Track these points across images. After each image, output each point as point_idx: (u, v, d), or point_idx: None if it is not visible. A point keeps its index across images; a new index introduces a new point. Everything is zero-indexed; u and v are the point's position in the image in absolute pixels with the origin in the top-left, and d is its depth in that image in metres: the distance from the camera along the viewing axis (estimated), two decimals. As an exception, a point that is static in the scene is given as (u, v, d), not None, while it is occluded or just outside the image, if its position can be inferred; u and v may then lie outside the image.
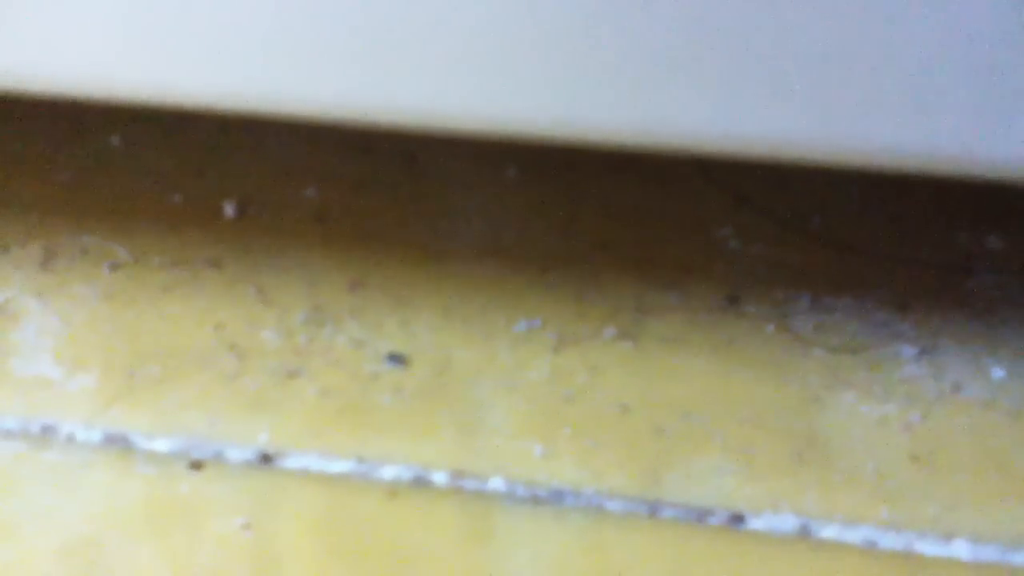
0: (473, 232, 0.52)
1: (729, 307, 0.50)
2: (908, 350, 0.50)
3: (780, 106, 0.38)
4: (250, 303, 0.52)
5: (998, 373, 0.49)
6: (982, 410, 0.49)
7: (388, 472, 0.49)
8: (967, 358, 0.49)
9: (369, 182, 0.53)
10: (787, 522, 0.48)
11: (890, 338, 0.50)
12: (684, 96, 0.38)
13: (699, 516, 0.48)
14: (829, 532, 0.48)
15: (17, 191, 0.54)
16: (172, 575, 0.48)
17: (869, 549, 0.47)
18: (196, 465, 0.50)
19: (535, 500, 0.49)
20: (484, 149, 0.52)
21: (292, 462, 0.50)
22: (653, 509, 0.48)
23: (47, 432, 0.50)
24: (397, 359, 0.51)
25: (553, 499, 0.49)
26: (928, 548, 0.47)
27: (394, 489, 0.49)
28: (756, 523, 0.48)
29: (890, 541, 0.47)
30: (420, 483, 0.49)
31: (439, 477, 0.49)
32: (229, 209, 0.53)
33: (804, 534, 0.48)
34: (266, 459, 0.50)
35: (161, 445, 0.50)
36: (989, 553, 0.47)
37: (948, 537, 0.47)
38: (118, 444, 0.50)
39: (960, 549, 0.47)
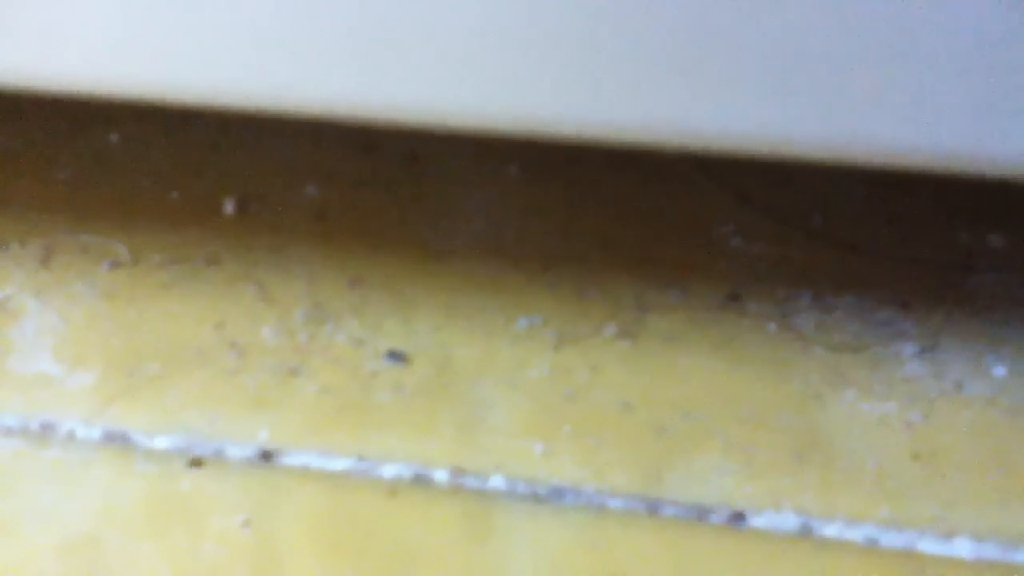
0: (474, 230, 0.52)
1: (730, 305, 0.50)
2: (909, 348, 0.49)
3: (781, 104, 0.38)
4: (250, 301, 0.52)
5: (1000, 371, 0.49)
6: (984, 408, 0.49)
7: (388, 470, 0.49)
8: (969, 356, 0.49)
9: (369, 180, 0.53)
10: (788, 521, 0.48)
11: (891, 336, 0.50)
12: (685, 93, 0.38)
13: (700, 514, 0.48)
14: (830, 531, 0.48)
15: (16, 189, 0.54)
16: (172, 573, 0.48)
17: (870, 548, 0.47)
18: (196, 463, 0.50)
19: (536, 498, 0.49)
20: (485, 147, 0.52)
21: (292, 460, 0.50)
22: (654, 507, 0.48)
23: (47, 430, 0.50)
24: (397, 357, 0.51)
25: (554, 497, 0.49)
26: (929, 547, 0.47)
27: (394, 487, 0.49)
28: (757, 521, 0.48)
29: (891, 540, 0.47)
30: (420, 481, 0.49)
31: (439, 475, 0.49)
32: (229, 207, 0.53)
33: (805, 533, 0.48)
34: (266, 457, 0.50)
35: (161, 443, 0.50)
36: (990, 551, 0.47)
37: (949, 536, 0.47)
38: (118, 442, 0.50)
39: (961, 548, 0.47)
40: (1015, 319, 0.49)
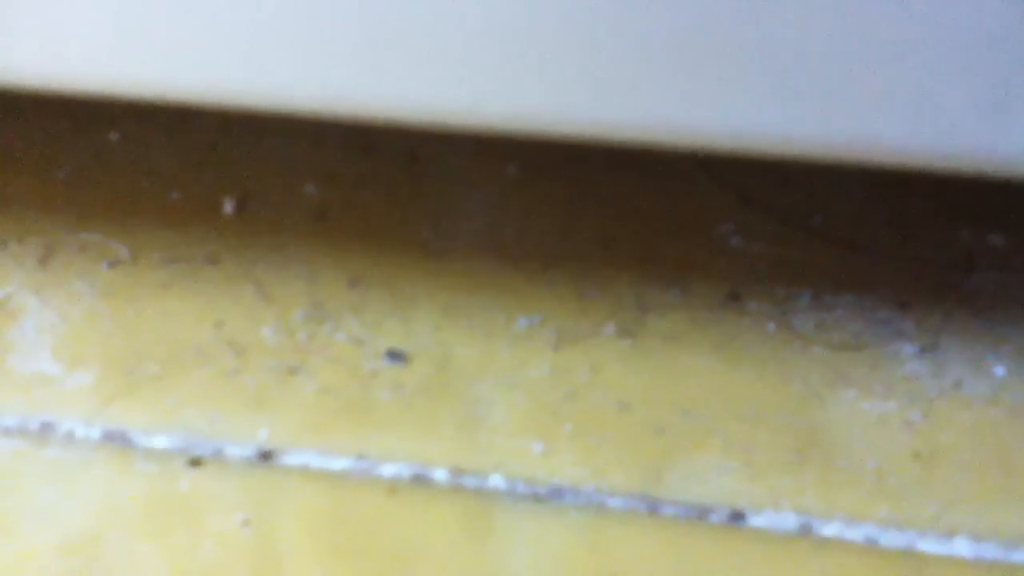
0: (473, 229, 0.52)
1: (730, 305, 0.50)
2: (909, 348, 0.49)
3: (782, 103, 0.38)
4: (249, 300, 0.52)
5: (1000, 371, 0.49)
6: (983, 408, 0.49)
7: (388, 469, 0.49)
8: (968, 356, 0.49)
9: (369, 179, 0.53)
10: (788, 520, 0.48)
11: (891, 336, 0.50)
12: (686, 93, 0.38)
13: (700, 514, 0.48)
14: (830, 530, 0.48)
15: (15, 188, 0.54)
16: (172, 572, 0.48)
17: (870, 547, 0.47)
18: (196, 462, 0.50)
19: (535, 497, 0.49)
20: (485, 146, 0.52)
21: (292, 459, 0.50)
22: (653, 507, 0.48)
23: (46, 429, 0.50)
24: (397, 356, 0.51)
25: (553, 496, 0.49)
26: (929, 546, 0.47)
27: (394, 486, 0.49)
28: (757, 521, 0.48)
29: (891, 539, 0.47)
30: (420, 480, 0.49)
31: (439, 474, 0.49)
32: (228, 206, 0.53)
33: (805, 532, 0.48)
34: (266, 456, 0.50)
35: (160, 442, 0.50)
36: (990, 551, 0.47)
37: (949, 535, 0.47)
38: (117, 441, 0.50)
39: (961, 547, 0.47)
40: (1015, 318, 0.49)
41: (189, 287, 0.52)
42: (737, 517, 0.48)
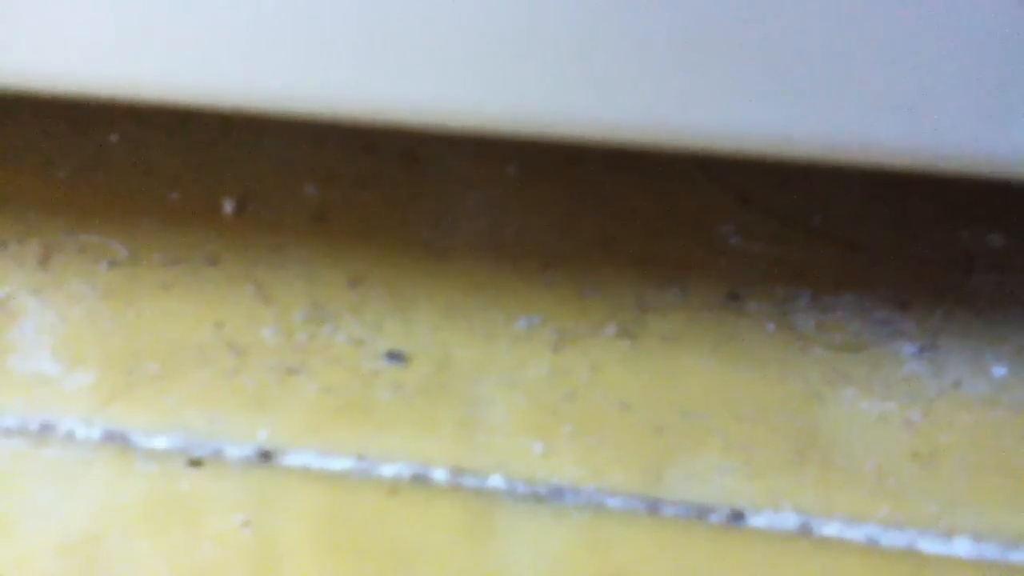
0: (473, 229, 0.52)
1: (730, 305, 0.50)
2: (909, 348, 0.49)
3: (782, 103, 0.38)
4: (249, 301, 0.52)
5: (999, 371, 0.49)
6: (983, 408, 0.49)
7: (388, 470, 0.49)
8: (968, 356, 0.49)
9: (369, 179, 0.53)
10: (788, 520, 0.48)
11: (891, 336, 0.50)
12: (685, 93, 0.38)
13: (700, 514, 0.48)
14: (830, 530, 0.48)
15: (15, 188, 0.54)
16: (171, 572, 0.48)
17: (870, 547, 0.47)
18: (195, 462, 0.50)
19: (535, 497, 0.49)
20: (485, 146, 0.52)
21: (292, 460, 0.50)
22: (653, 507, 0.48)
23: (46, 429, 0.50)
24: (397, 357, 0.51)
25: (553, 496, 0.49)
26: (929, 546, 0.47)
27: (394, 486, 0.49)
28: (757, 521, 0.48)
29: (891, 539, 0.47)
30: (420, 480, 0.49)
31: (439, 474, 0.49)
32: (228, 206, 0.53)
33: (805, 532, 0.48)
34: (266, 457, 0.50)
35: (160, 442, 0.50)
36: (990, 551, 0.47)
37: (949, 535, 0.47)
38: (117, 441, 0.50)
39: (961, 547, 0.47)
40: (1015, 318, 0.49)
41: (189, 287, 0.52)
42: (737, 517, 0.48)
